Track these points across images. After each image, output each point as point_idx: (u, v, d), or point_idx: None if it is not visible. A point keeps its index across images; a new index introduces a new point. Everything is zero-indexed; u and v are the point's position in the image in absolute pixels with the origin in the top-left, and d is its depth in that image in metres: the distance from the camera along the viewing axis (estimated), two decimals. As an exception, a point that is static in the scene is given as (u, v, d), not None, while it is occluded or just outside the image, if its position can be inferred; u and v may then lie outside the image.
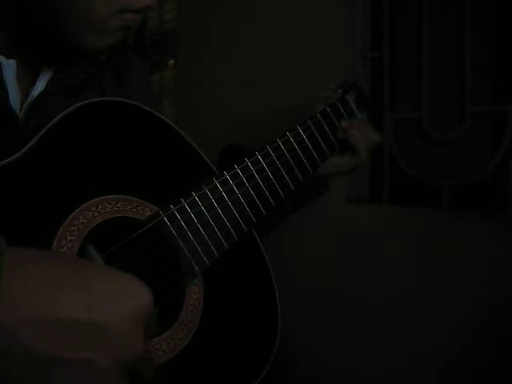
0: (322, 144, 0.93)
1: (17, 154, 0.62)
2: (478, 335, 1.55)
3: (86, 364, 0.45)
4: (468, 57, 1.56)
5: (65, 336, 0.44)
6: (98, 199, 0.67)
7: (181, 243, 0.71)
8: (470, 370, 1.56)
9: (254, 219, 0.79)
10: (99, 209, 0.67)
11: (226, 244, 0.75)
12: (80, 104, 0.68)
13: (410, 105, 1.70)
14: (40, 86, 0.75)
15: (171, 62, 2.10)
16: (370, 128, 1.08)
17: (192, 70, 2.08)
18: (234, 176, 0.77)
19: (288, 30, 1.84)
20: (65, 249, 0.62)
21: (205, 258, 0.73)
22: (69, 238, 0.63)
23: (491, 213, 1.56)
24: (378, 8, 1.71)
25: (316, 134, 0.92)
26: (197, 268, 0.72)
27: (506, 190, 1.52)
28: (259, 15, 1.91)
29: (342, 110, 1.01)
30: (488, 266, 1.55)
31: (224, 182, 0.76)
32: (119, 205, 0.69)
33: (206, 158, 0.80)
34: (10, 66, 0.71)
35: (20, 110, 0.73)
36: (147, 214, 0.71)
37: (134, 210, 0.70)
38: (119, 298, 0.47)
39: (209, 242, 0.73)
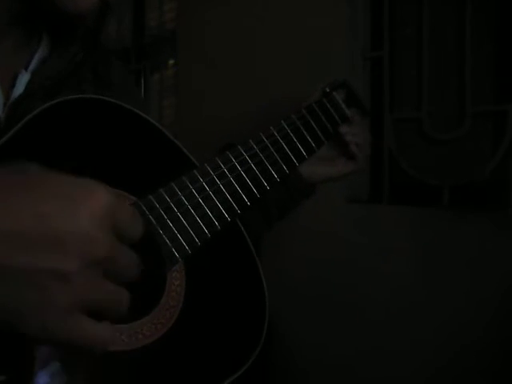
0: (308, 138, 0.93)
1: None
2: (478, 335, 1.54)
3: (49, 271, 0.45)
4: (468, 57, 1.56)
5: (20, 246, 0.44)
6: None
7: (160, 231, 0.71)
8: (470, 370, 1.55)
9: (237, 209, 0.80)
10: None
11: (208, 232, 0.76)
12: (56, 100, 0.69)
13: (409, 105, 1.70)
14: (19, 88, 0.76)
15: (171, 61, 2.12)
16: (362, 127, 1.07)
17: (192, 70, 2.10)
18: (215, 167, 0.78)
19: (288, 30, 1.85)
20: None
21: (186, 246, 0.73)
22: None
23: (491, 213, 1.56)
24: (378, 8, 1.72)
25: (301, 128, 0.92)
26: (177, 255, 0.73)
27: (506, 190, 1.52)
28: (259, 15, 1.92)
29: (328, 105, 1.01)
30: (488, 266, 1.54)
31: (204, 173, 0.76)
32: None
33: (187, 153, 0.81)
34: None
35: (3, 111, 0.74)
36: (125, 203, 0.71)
37: None
38: (70, 201, 0.46)
39: (190, 230, 0.74)
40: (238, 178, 0.80)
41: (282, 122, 0.89)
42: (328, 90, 1.03)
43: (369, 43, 1.74)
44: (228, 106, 1.98)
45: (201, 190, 0.75)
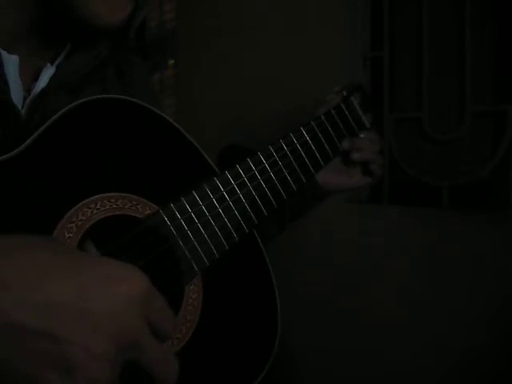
0: (326, 146, 0.92)
1: (16, 150, 0.62)
2: (478, 336, 1.55)
3: (77, 347, 0.44)
4: (468, 57, 1.56)
5: (55, 318, 0.44)
6: (97, 196, 0.66)
7: (180, 242, 0.71)
8: (473, 371, 1.56)
9: (255, 220, 0.79)
10: (98, 206, 0.66)
11: (226, 244, 0.75)
12: (82, 101, 0.68)
13: (410, 105, 1.70)
14: (43, 82, 0.75)
15: (171, 62, 2.10)
16: (376, 139, 1.08)
17: (192, 70, 2.08)
18: (236, 176, 0.77)
19: (288, 30, 1.84)
20: None
21: (204, 258, 0.73)
22: (67, 235, 0.63)
23: (491, 212, 1.56)
24: (377, 8, 1.71)
25: (320, 135, 0.91)
26: (196, 267, 0.72)
27: (506, 190, 1.52)
28: (259, 15, 1.91)
29: (346, 111, 1.00)
30: (488, 266, 1.55)
31: (225, 182, 0.76)
32: (119, 203, 0.68)
33: (207, 158, 0.80)
34: (12, 61, 0.71)
35: (23, 105, 0.73)
36: (147, 212, 0.70)
37: (134, 208, 0.70)
38: (109, 283, 0.47)
39: (209, 242, 0.73)
40: (258, 188, 0.79)
41: (301, 128, 0.87)
42: (346, 95, 1.01)
43: (369, 43, 1.73)
44: (228, 107, 1.97)
45: (221, 201, 0.75)
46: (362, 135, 1.03)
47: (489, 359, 1.53)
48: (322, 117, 0.93)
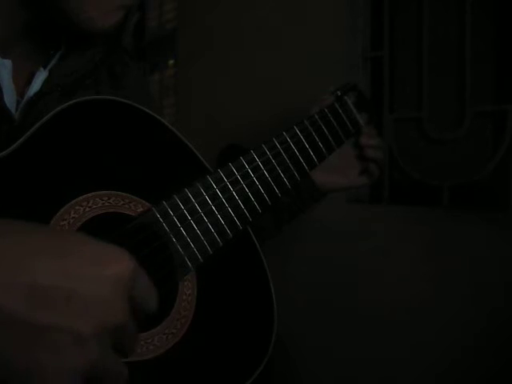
0: (320, 144, 0.92)
1: (8, 150, 0.62)
2: (478, 336, 1.55)
3: (65, 330, 0.44)
4: (468, 57, 1.56)
5: (41, 301, 0.44)
6: (89, 195, 0.67)
7: (173, 239, 0.71)
8: (472, 370, 1.55)
9: (249, 217, 0.79)
10: (90, 204, 0.67)
11: (220, 241, 0.75)
12: (73, 101, 0.69)
13: (410, 105, 1.70)
14: (36, 85, 0.75)
15: (171, 62, 2.11)
16: (375, 137, 1.08)
17: (192, 70, 2.09)
18: (229, 174, 0.77)
19: (288, 30, 1.85)
20: None
21: (198, 254, 0.73)
22: None
23: (491, 213, 1.56)
24: (377, 8, 1.71)
25: (313, 134, 0.91)
26: (190, 264, 0.72)
27: (506, 190, 1.52)
28: (259, 15, 1.91)
29: (340, 110, 1.00)
30: (488, 266, 1.54)
31: (218, 180, 0.76)
32: (111, 201, 0.69)
33: (200, 157, 0.80)
34: (5, 66, 0.72)
35: (16, 109, 0.73)
36: (139, 210, 0.71)
37: (126, 205, 0.70)
38: (96, 264, 0.47)
39: (202, 239, 0.73)
40: (251, 186, 0.79)
41: (295, 127, 0.87)
42: (340, 94, 1.01)
43: (369, 43, 1.74)
44: (228, 106, 1.98)
45: (214, 198, 0.75)
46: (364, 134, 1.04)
47: (488, 359, 1.52)
48: (316, 115, 0.92)
